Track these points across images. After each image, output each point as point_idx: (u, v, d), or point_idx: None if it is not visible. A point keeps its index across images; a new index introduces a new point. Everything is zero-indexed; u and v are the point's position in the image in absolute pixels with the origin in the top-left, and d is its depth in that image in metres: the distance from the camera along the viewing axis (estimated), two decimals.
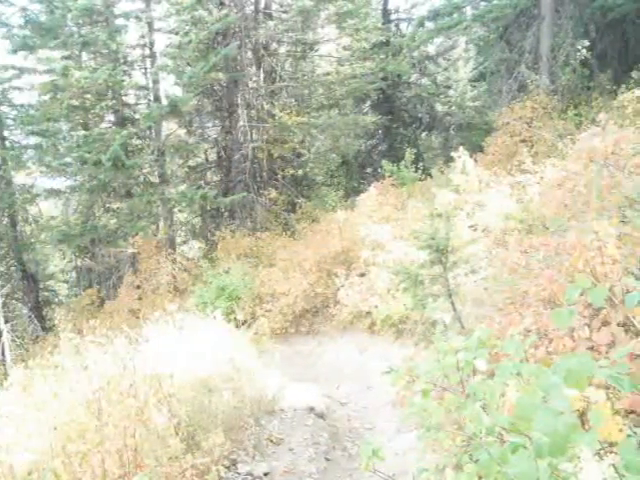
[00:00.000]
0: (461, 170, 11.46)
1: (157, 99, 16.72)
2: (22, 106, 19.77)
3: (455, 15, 16.29)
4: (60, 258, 25.20)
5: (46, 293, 22.82)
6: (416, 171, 14.66)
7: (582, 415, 1.93)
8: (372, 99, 22.78)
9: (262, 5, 18.33)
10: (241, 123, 17.53)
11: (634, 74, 12.76)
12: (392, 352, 8.23)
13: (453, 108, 22.16)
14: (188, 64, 16.45)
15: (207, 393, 5.83)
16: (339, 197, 18.96)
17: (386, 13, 23.22)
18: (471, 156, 11.96)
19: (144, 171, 17.74)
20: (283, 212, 17.89)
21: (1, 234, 20.35)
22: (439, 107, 22.93)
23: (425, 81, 23.94)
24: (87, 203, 19.32)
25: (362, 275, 10.58)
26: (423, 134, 24.41)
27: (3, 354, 13.63)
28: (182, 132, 19.21)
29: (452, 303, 6.51)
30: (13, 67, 18.43)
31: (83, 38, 15.78)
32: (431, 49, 23.42)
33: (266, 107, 17.78)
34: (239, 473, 5.30)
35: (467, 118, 21.34)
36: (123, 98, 17.72)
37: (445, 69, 23.42)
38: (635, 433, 1.72)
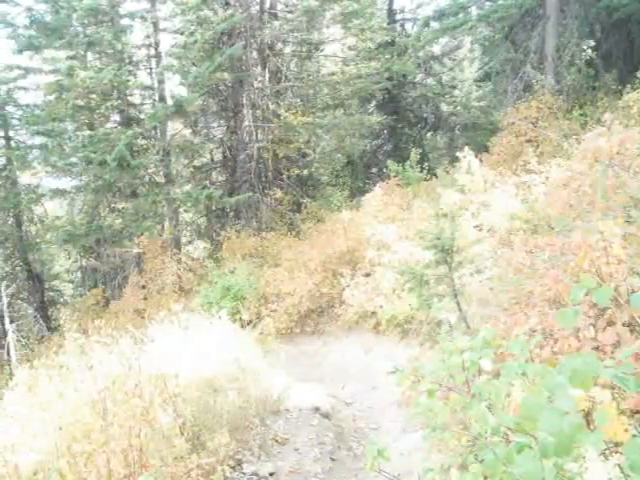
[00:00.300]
0: (466, 170, 11.46)
1: (162, 99, 16.71)
2: (27, 106, 19.82)
3: (460, 15, 16.31)
4: (65, 258, 25.29)
5: (51, 293, 22.87)
6: (421, 171, 14.61)
7: (587, 415, 1.93)
8: (377, 99, 22.75)
9: (267, 5, 18.34)
10: (246, 123, 17.54)
11: (639, 74, 12.73)
12: (397, 352, 8.23)
13: (458, 108, 22.08)
14: (193, 64, 16.44)
15: (212, 393, 5.84)
16: (344, 197, 18.96)
17: (391, 13, 23.22)
18: (476, 156, 11.95)
19: (149, 171, 17.74)
20: (288, 212, 17.89)
21: (7, 234, 20.44)
22: (444, 107, 22.86)
23: (430, 81, 23.90)
24: (92, 203, 19.37)
25: (367, 275, 10.57)
26: (428, 134, 24.39)
27: (8, 354, 13.71)
28: (187, 132, 19.18)
29: (457, 303, 6.51)
30: (18, 67, 18.44)
31: (88, 38, 15.77)
32: (436, 49, 23.37)
33: (271, 107, 17.79)
34: (244, 473, 5.31)
35: (472, 118, 21.27)
36: (128, 98, 17.70)
37: (450, 69, 23.35)
38: None
